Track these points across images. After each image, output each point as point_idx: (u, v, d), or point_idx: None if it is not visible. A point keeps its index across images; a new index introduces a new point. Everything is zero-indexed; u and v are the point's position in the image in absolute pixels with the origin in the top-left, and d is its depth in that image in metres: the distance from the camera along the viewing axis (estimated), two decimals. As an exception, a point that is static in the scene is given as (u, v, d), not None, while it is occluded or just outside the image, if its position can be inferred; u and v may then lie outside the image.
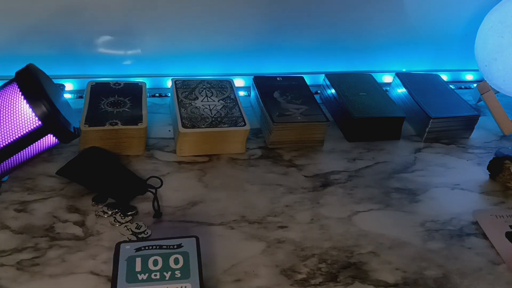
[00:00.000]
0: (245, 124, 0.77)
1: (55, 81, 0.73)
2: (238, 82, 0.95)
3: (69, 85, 0.88)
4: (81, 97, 0.82)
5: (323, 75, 0.95)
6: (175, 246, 0.54)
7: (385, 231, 0.68)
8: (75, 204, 0.65)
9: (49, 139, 0.59)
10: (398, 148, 0.86)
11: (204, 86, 0.84)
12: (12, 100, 0.57)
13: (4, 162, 0.58)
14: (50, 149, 0.63)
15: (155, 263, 0.52)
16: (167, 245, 0.54)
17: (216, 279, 0.58)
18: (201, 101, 0.80)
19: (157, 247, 0.54)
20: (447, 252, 0.66)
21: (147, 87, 0.84)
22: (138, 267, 0.52)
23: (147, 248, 0.54)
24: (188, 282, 0.51)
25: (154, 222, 0.64)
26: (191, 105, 0.79)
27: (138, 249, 0.54)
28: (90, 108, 0.75)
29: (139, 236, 0.61)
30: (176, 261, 0.53)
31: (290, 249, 0.63)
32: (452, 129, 0.89)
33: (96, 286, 0.55)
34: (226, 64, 0.93)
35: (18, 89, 0.57)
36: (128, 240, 0.60)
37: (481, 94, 0.95)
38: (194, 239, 0.56)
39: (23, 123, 0.57)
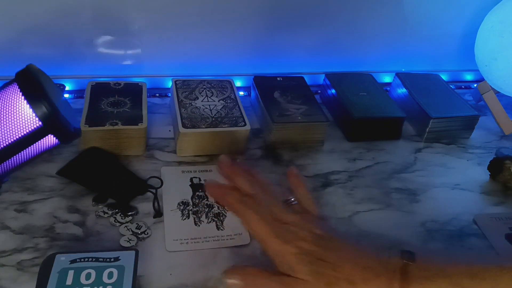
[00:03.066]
0: (245, 124, 0.77)
1: (55, 81, 0.73)
2: (238, 82, 0.95)
3: (69, 85, 0.88)
4: (81, 97, 0.82)
5: (323, 75, 0.96)
6: (112, 259, 0.52)
7: (385, 231, 0.68)
8: (75, 205, 0.65)
9: (50, 140, 0.59)
10: (398, 148, 0.86)
11: (204, 86, 0.84)
12: (12, 101, 0.57)
13: (4, 162, 0.59)
14: (50, 149, 0.64)
15: (88, 276, 0.50)
16: (104, 258, 0.52)
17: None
18: (201, 101, 0.80)
19: (93, 259, 0.52)
20: (447, 252, 0.66)
21: (147, 87, 0.84)
22: (69, 281, 0.49)
23: (82, 260, 0.51)
24: None
25: (155, 222, 0.64)
26: (191, 105, 0.79)
27: (73, 261, 0.51)
28: (90, 108, 0.75)
29: (140, 236, 0.61)
30: (110, 275, 0.50)
31: (290, 249, 0.63)
32: (452, 129, 0.89)
33: (97, 287, 0.55)
34: (226, 64, 0.93)
35: (19, 90, 0.57)
36: (64, 251, 0.55)
37: (481, 94, 0.95)
38: (134, 252, 0.53)
39: (24, 124, 0.57)
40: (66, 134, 0.62)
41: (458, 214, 0.72)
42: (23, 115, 0.57)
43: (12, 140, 0.57)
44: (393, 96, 0.97)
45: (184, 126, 0.74)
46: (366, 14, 0.94)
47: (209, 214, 0.66)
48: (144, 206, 0.66)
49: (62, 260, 0.51)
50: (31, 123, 0.57)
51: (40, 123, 0.57)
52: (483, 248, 0.67)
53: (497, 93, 0.94)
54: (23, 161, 0.60)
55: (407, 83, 0.94)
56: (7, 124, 0.57)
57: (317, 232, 0.52)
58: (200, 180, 0.71)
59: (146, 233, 0.62)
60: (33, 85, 0.57)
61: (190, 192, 0.69)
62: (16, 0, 0.78)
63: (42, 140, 0.58)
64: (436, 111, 0.87)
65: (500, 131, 0.93)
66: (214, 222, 0.65)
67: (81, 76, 0.87)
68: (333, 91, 0.91)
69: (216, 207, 0.67)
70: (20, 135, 0.57)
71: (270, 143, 0.81)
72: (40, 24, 0.81)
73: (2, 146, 0.57)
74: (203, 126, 0.75)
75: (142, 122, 0.74)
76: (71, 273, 0.50)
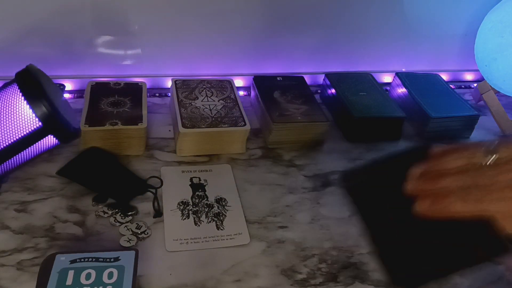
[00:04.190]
0: (245, 124, 0.77)
1: (55, 81, 0.73)
2: (238, 82, 0.95)
3: (69, 85, 0.88)
4: (81, 97, 0.82)
5: (323, 75, 0.96)
6: (112, 259, 0.52)
7: (385, 231, 0.68)
8: (75, 204, 0.65)
9: (49, 140, 0.60)
10: (398, 148, 0.86)
11: (204, 86, 0.84)
12: (12, 101, 0.57)
13: (5, 163, 0.59)
14: (50, 149, 0.64)
15: (88, 276, 0.50)
16: (103, 258, 0.52)
17: (216, 279, 0.58)
18: (201, 101, 0.80)
19: (93, 259, 0.52)
20: (447, 252, 0.66)
21: (147, 87, 0.84)
22: (69, 281, 0.49)
23: (82, 260, 0.51)
24: None
25: (155, 222, 0.64)
26: (191, 105, 0.79)
27: (73, 261, 0.51)
28: (90, 108, 0.75)
29: (140, 236, 0.61)
30: (110, 276, 0.50)
31: (290, 249, 0.63)
32: (452, 129, 0.89)
33: (96, 286, 0.55)
34: (226, 64, 0.93)
35: (18, 90, 0.57)
36: (64, 251, 0.55)
37: (481, 94, 0.95)
38: (134, 252, 0.53)
39: (23, 124, 0.57)
40: (66, 134, 0.62)
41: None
42: (23, 116, 0.57)
43: (12, 140, 0.57)
44: (393, 96, 0.97)
45: (184, 126, 0.74)
46: (366, 14, 0.94)
47: (209, 214, 0.66)
48: (144, 206, 0.66)
49: (62, 260, 0.51)
50: (31, 124, 0.57)
51: (40, 123, 0.57)
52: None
53: (497, 93, 0.94)
54: (23, 161, 0.61)
55: (407, 83, 0.94)
56: (7, 125, 0.57)
57: None
58: (200, 180, 0.71)
59: (146, 233, 0.62)
60: (32, 85, 0.57)
61: (190, 192, 0.69)
62: (16, 0, 0.78)
63: (42, 140, 0.58)
64: (436, 111, 0.87)
65: (500, 131, 0.93)
66: (214, 222, 0.65)
67: (81, 76, 0.87)
68: (333, 91, 0.91)
69: (216, 207, 0.67)
70: (20, 136, 0.57)
71: (270, 143, 0.81)
72: (40, 24, 0.81)
73: (2, 146, 0.57)
74: (203, 126, 0.75)
75: (142, 122, 0.74)
76: (71, 273, 0.50)
